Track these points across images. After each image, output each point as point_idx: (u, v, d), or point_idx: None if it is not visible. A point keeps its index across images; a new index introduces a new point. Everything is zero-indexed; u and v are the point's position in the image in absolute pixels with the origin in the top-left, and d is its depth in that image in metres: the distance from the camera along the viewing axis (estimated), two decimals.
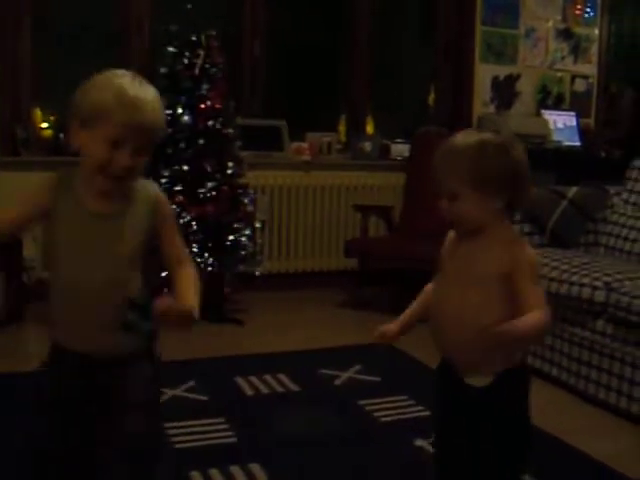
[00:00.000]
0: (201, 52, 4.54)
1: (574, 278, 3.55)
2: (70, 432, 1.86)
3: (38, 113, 5.07)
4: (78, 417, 1.86)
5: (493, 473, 1.95)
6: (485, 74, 6.10)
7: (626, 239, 4.14)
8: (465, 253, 1.95)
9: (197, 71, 4.52)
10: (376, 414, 3.29)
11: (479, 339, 1.79)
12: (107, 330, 1.83)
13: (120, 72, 1.80)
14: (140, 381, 1.88)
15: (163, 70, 4.59)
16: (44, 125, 5.11)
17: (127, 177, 1.79)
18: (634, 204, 4.27)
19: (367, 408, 3.36)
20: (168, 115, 4.50)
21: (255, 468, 2.75)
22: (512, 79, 6.20)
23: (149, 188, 1.90)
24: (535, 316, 1.79)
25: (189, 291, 1.86)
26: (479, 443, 1.93)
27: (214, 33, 4.65)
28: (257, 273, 4.75)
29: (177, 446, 2.92)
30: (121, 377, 1.85)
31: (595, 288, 3.44)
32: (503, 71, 6.16)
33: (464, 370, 1.95)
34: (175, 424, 3.09)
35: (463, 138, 1.93)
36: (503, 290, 1.84)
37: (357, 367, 3.87)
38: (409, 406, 3.39)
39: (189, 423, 3.11)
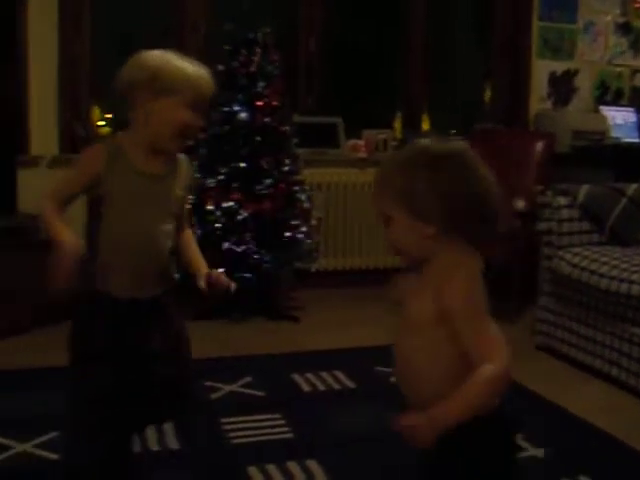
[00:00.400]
0: (258, 50, 4.56)
1: (634, 277, 3.49)
2: (126, 374, 2.09)
3: (96, 111, 5.14)
4: (133, 358, 2.11)
5: None
6: (542, 70, 6.03)
7: None
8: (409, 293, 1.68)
9: (253, 69, 4.54)
10: None
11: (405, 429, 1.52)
12: (154, 275, 2.15)
13: (167, 53, 2.18)
14: (177, 313, 2.24)
15: (220, 68, 4.61)
16: (101, 123, 5.18)
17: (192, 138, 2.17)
18: None
19: None
20: (225, 112, 4.54)
21: (312, 464, 2.76)
22: (570, 75, 6.12)
23: (183, 156, 2.22)
24: (483, 375, 1.50)
25: (200, 257, 2.28)
26: None
27: (270, 30, 4.66)
28: (313, 270, 4.76)
29: (234, 441, 2.94)
30: (163, 313, 2.19)
31: None
32: (560, 67, 6.08)
33: None
34: (232, 419, 3.12)
35: (404, 150, 1.66)
36: (447, 338, 1.57)
37: None
38: None
39: (246, 418, 3.14)
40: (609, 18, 6.20)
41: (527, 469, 2.77)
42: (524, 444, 2.94)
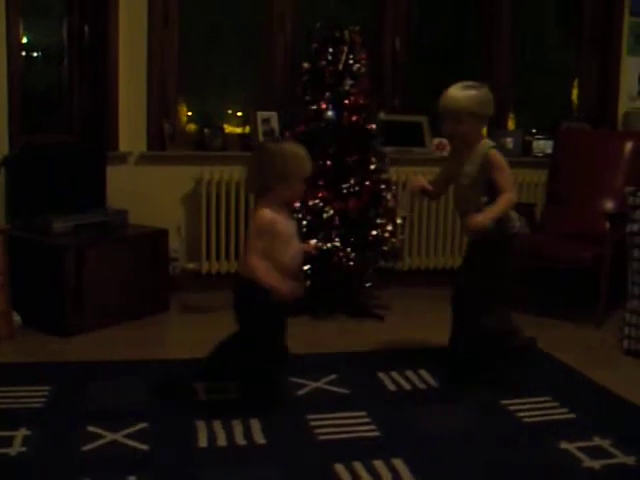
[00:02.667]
0: (345, 48, 4.56)
1: None
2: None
3: (184, 109, 5.20)
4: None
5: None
6: (632, 67, 5.90)
7: None
8: None
9: (341, 67, 4.54)
10: (519, 414, 3.24)
11: None
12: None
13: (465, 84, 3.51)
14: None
15: (307, 66, 4.63)
16: (188, 120, 5.25)
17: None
18: None
19: (510, 408, 3.31)
20: (312, 110, 4.55)
21: (398, 463, 2.75)
22: None
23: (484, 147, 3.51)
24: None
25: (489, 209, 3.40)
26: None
27: (357, 28, 4.65)
28: (398, 269, 4.75)
29: (320, 438, 2.95)
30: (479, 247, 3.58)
31: None
32: None
33: None
34: (318, 416, 3.13)
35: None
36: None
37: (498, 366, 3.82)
38: (553, 407, 3.33)
39: (331, 416, 3.15)
40: None
41: (619, 477, 2.73)
42: (613, 451, 2.89)
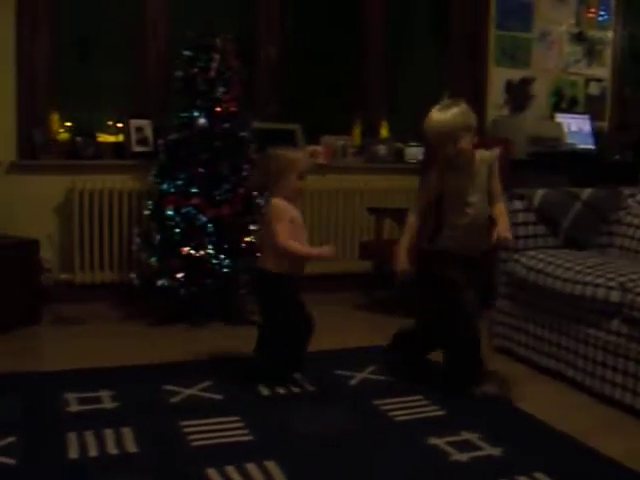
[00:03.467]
0: (217, 55, 4.57)
1: (588, 279, 3.56)
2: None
3: (55, 117, 5.10)
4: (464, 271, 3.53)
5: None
6: (499, 78, 6.12)
7: None
8: None
9: (212, 74, 4.55)
10: (391, 413, 3.30)
11: None
12: (477, 239, 3.56)
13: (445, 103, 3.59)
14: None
15: (179, 73, 4.62)
16: (61, 129, 5.14)
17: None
18: None
19: (382, 408, 3.37)
20: (184, 117, 4.55)
21: (271, 465, 2.76)
22: (526, 82, 6.21)
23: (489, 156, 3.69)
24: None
25: (504, 219, 3.55)
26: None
27: (230, 36, 4.67)
28: None
29: (193, 444, 2.93)
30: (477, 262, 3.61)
31: (610, 288, 3.44)
32: (517, 74, 6.17)
33: None
34: (191, 422, 3.11)
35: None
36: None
37: (372, 368, 3.89)
38: (424, 406, 3.40)
39: (205, 421, 3.13)
40: (564, 27, 6.32)
41: (484, 468, 2.81)
42: (481, 444, 2.98)
